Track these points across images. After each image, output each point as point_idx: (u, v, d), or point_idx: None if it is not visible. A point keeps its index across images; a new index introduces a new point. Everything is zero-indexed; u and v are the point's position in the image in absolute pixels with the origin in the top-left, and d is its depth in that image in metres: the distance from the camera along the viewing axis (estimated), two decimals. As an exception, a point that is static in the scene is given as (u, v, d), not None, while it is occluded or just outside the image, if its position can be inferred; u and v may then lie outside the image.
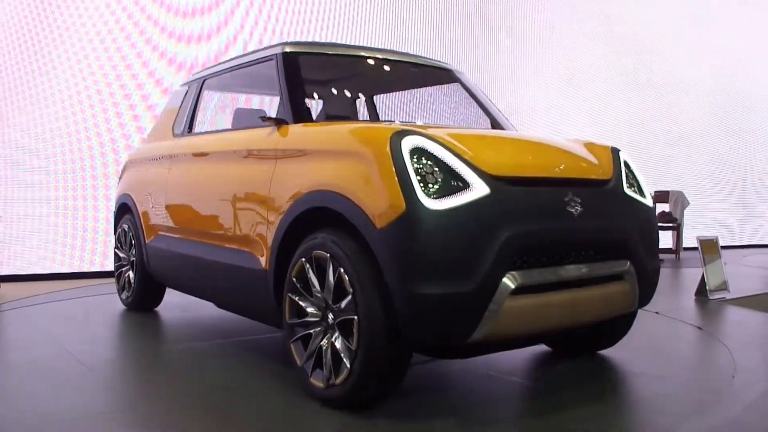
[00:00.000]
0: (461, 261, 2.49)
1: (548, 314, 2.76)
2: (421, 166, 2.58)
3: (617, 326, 3.53)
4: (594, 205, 2.95)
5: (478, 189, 2.59)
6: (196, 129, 4.52)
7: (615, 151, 3.39)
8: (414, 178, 2.52)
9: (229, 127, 4.01)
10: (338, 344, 2.71)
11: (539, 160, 3.04)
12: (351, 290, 2.63)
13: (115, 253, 5.15)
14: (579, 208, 2.85)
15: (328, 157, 2.90)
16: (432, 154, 2.63)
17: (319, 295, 2.83)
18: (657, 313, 4.98)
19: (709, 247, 6.07)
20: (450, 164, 2.62)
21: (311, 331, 2.87)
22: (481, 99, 4.21)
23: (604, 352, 3.78)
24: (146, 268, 4.66)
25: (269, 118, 3.36)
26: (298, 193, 2.97)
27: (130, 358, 3.85)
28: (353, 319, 2.62)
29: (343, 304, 2.69)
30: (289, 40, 4.18)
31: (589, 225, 2.91)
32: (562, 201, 2.83)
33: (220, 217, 3.66)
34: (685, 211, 10.16)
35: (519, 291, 2.57)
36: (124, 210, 5.04)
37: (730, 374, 3.41)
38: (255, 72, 4.07)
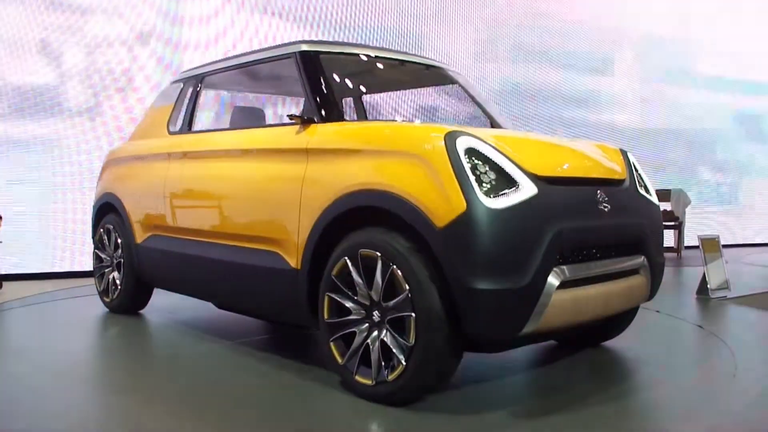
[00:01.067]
0: (516, 258, 2.61)
1: (586, 307, 2.92)
2: (475, 166, 2.67)
3: (624, 317, 3.65)
4: (616, 203, 3.12)
5: (527, 189, 2.71)
6: (196, 127, 4.42)
7: (624, 153, 3.59)
8: (472, 178, 2.62)
9: (228, 125, 4.01)
10: (388, 341, 2.75)
11: (570, 161, 3.19)
12: (407, 287, 2.67)
13: (96, 254, 4.94)
14: (607, 207, 3.04)
15: (374, 157, 2.90)
16: (483, 154, 2.73)
17: (363, 292, 2.85)
18: (658, 311, 4.98)
19: (711, 246, 6.06)
20: (500, 164, 2.73)
21: (355, 329, 2.89)
22: (479, 99, 4.27)
23: (606, 350, 3.78)
24: (136, 270, 4.51)
25: (297, 116, 3.32)
26: (339, 193, 2.96)
27: (127, 363, 3.77)
28: (410, 315, 2.66)
29: (396, 301, 2.72)
30: (302, 39, 4.14)
31: (616, 222, 3.10)
32: (594, 200, 3.02)
33: (238, 217, 3.58)
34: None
35: (563, 285, 2.72)
36: (106, 209, 4.87)
37: (731, 373, 3.41)
38: (267, 70, 4.06)
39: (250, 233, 3.47)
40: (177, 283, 4.34)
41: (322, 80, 3.42)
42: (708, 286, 5.81)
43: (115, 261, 4.73)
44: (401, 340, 2.70)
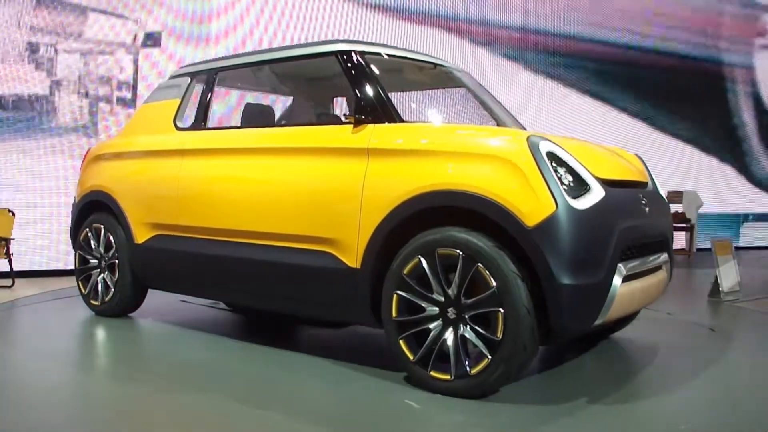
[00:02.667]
0: (595, 255, 2.82)
1: (633, 300, 3.14)
2: (555, 169, 2.84)
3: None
4: (650, 204, 3.37)
5: (598, 191, 2.91)
6: (211, 123, 4.27)
7: (640, 158, 3.88)
8: (557, 181, 2.79)
9: (243, 122, 4.01)
10: (470, 336, 2.85)
11: (615, 165, 3.40)
12: (494, 284, 2.77)
13: (79, 255, 4.65)
14: (647, 208, 3.30)
15: (451, 158, 2.97)
16: (560, 158, 2.90)
17: (439, 290, 2.92)
18: (669, 314, 4.95)
19: (723, 248, 6.03)
20: (574, 168, 2.91)
21: (429, 326, 2.94)
22: (487, 99, 4.29)
23: (617, 353, 3.78)
24: (134, 271, 4.32)
25: (353, 116, 3.32)
26: (411, 192, 2.99)
27: (127, 368, 3.71)
28: (497, 311, 2.76)
29: (480, 297, 2.82)
30: (335, 39, 4.11)
31: (652, 222, 3.36)
32: (639, 201, 3.28)
33: (280, 216, 3.50)
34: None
35: (623, 280, 2.94)
36: (93, 207, 4.62)
37: (744, 376, 3.39)
38: (293, 68, 4.06)
39: (296, 233, 3.42)
40: (191, 285, 4.19)
41: (374, 80, 3.43)
42: (720, 288, 5.78)
43: (106, 262, 4.48)
44: (487, 334, 2.80)
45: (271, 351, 3.70)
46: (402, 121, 3.28)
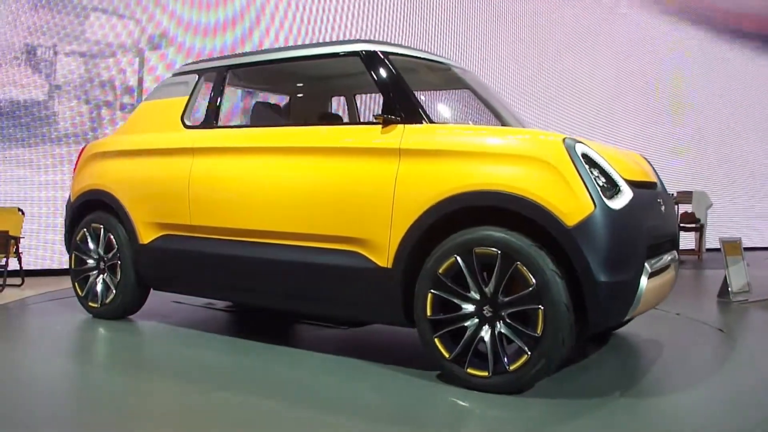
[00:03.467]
0: (628, 253, 2.93)
1: (654, 296, 3.23)
2: (590, 170, 2.92)
3: None
4: (664, 204, 3.51)
5: (627, 192, 3.00)
6: (222, 121, 4.18)
7: (646, 159, 3.95)
8: (594, 182, 2.87)
9: (257, 121, 4.04)
10: (508, 333, 2.92)
11: (633, 167, 3.47)
12: (533, 282, 2.83)
13: (76, 256, 4.50)
14: (663, 208, 3.45)
15: (487, 159, 3.01)
16: (594, 160, 2.98)
17: (476, 288, 2.97)
18: (678, 314, 4.93)
19: (732, 249, 6.00)
20: (606, 169, 3.00)
21: (465, 324, 2.99)
22: (491, 100, 4.30)
23: (626, 353, 3.78)
24: (139, 272, 4.23)
25: (383, 116, 3.32)
26: (446, 193, 3.03)
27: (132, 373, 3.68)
28: (537, 308, 2.83)
29: (520, 295, 2.87)
30: (357, 39, 4.12)
31: (667, 221, 3.51)
32: (658, 201, 3.42)
33: (304, 216, 3.48)
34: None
35: (648, 277, 3.04)
36: (91, 206, 4.49)
37: (751, 377, 3.37)
38: (312, 67, 4.09)
39: (324, 233, 3.40)
40: (204, 285, 4.09)
41: (402, 80, 3.44)
42: (729, 289, 5.75)
43: (105, 263, 4.36)
44: (527, 331, 2.86)
45: (298, 352, 3.69)
46: (431, 121, 3.29)
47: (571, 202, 2.83)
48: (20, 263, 5.89)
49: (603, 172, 2.98)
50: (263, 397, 2.90)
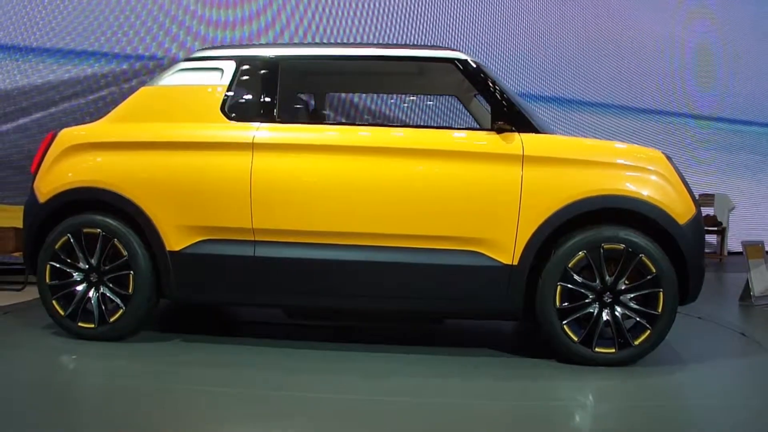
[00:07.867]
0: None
1: None
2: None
3: None
4: None
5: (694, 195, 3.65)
6: (284, 116, 3.91)
7: (670, 158, 4.11)
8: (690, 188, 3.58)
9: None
10: (630, 314, 3.50)
11: None
12: (654, 270, 3.45)
13: (52, 267, 3.78)
14: None
15: (608, 168, 3.53)
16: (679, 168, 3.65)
17: (599, 279, 3.49)
18: (700, 318, 4.91)
19: (755, 252, 5.95)
20: (683, 176, 3.62)
21: (591, 310, 3.51)
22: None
23: (646, 363, 3.75)
24: (165, 284, 3.73)
25: (497, 123, 3.60)
26: (575, 197, 3.47)
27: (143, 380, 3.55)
28: (658, 291, 3.47)
29: (641, 282, 3.48)
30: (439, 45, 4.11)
31: None
32: None
33: (422, 218, 3.55)
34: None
35: None
36: (74, 208, 3.83)
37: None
38: (392, 69, 4.23)
39: (438, 234, 3.57)
40: (272, 292, 3.73)
41: (504, 90, 3.71)
42: (751, 293, 5.71)
43: (105, 274, 3.76)
44: (649, 311, 3.47)
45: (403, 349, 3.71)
46: (537, 131, 3.61)
47: (681, 205, 3.51)
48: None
49: (683, 178, 3.61)
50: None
